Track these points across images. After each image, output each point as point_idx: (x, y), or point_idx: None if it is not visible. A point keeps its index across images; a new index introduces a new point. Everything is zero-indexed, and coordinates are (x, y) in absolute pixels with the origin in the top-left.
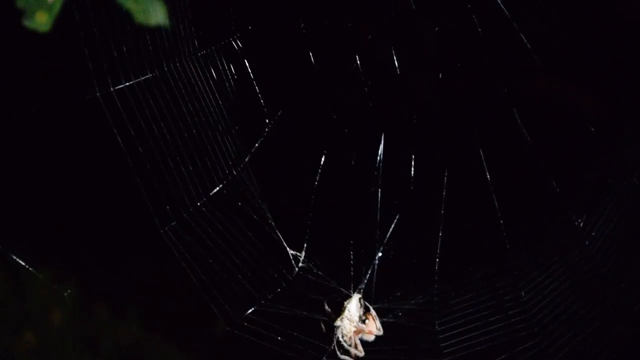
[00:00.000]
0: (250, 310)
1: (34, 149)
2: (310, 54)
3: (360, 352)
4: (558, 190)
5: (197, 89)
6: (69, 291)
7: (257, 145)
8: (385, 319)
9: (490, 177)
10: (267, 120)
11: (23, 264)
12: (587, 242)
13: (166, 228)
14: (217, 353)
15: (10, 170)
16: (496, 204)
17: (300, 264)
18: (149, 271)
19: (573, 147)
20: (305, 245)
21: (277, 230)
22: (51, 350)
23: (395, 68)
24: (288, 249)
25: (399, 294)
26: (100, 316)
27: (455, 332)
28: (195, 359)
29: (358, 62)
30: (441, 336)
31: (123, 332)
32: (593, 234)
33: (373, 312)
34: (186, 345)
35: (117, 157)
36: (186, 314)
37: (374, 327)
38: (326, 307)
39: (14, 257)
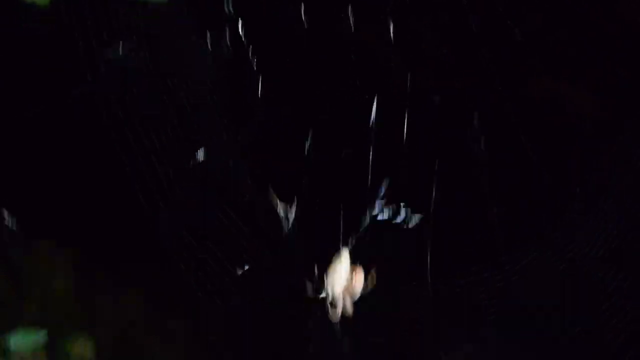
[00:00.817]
0: (241, 269)
1: (31, 116)
2: (304, 19)
3: (349, 311)
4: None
5: (189, 66)
6: (68, 260)
7: (250, 123)
8: (373, 276)
9: (484, 144)
10: (259, 87)
11: (22, 233)
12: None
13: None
14: (219, 316)
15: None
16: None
17: (290, 225)
18: (148, 239)
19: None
20: (295, 206)
21: (269, 190)
22: (53, 317)
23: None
24: (280, 208)
25: (388, 245)
26: (100, 286)
27: (447, 294)
28: (197, 325)
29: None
30: (434, 296)
31: (123, 301)
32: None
33: (360, 268)
34: (189, 313)
35: (107, 127)
36: (188, 279)
37: (361, 283)
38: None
39: (13, 227)
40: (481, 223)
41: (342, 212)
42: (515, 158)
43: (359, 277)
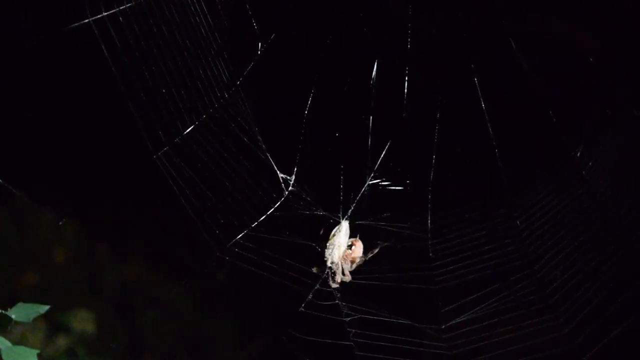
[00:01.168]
0: (240, 236)
1: (30, 81)
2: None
3: (347, 277)
4: (555, 120)
5: (188, 11)
6: (64, 220)
7: (249, 68)
8: (374, 245)
9: (485, 106)
10: (259, 44)
11: (26, 199)
12: (584, 172)
13: (159, 153)
14: (216, 285)
15: (8, 107)
16: (491, 132)
17: (290, 188)
18: (150, 208)
19: (572, 80)
20: (295, 169)
21: (268, 154)
22: (54, 289)
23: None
24: (278, 172)
25: (388, 214)
26: (103, 255)
27: (448, 260)
28: (194, 294)
29: None
30: (434, 264)
31: (126, 270)
32: (591, 164)
33: (359, 239)
34: (187, 281)
35: (109, 85)
36: (187, 248)
37: (360, 253)
38: (321, 232)
39: (19, 193)
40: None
41: (341, 181)
42: (513, 89)
43: (358, 247)
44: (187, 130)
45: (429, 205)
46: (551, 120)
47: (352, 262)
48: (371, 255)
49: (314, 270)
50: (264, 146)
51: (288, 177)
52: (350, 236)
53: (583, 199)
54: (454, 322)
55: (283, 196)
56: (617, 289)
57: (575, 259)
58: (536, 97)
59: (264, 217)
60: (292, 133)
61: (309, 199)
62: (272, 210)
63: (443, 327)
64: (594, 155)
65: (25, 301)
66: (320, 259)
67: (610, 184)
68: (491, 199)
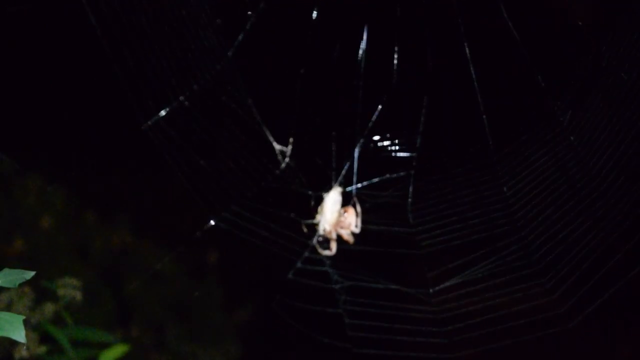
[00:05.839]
0: (235, 205)
1: (18, 46)
2: None
3: (351, 240)
4: (543, 85)
5: None
6: (53, 185)
7: (239, 39)
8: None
9: (474, 71)
10: (249, 13)
11: (14, 164)
12: (572, 138)
13: (149, 123)
14: (205, 253)
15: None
16: (479, 99)
17: (286, 159)
18: (138, 176)
19: (560, 43)
20: (291, 139)
21: (262, 126)
22: (41, 256)
23: None
24: (274, 143)
25: (375, 180)
26: (90, 222)
27: (432, 225)
28: (183, 261)
29: None
30: (417, 228)
31: (113, 237)
32: (578, 129)
33: (351, 206)
34: (174, 248)
35: (99, 55)
36: (175, 216)
37: (353, 219)
38: (312, 203)
39: (5, 158)
40: (465, 119)
41: (333, 148)
42: (501, 52)
43: (350, 215)
44: (178, 100)
45: (413, 172)
46: (540, 85)
47: (347, 228)
48: (359, 218)
49: (304, 228)
50: (258, 117)
51: (284, 148)
52: (343, 204)
53: (571, 165)
54: (442, 286)
55: (280, 167)
56: (605, 254)
57: (563, 225)
58: (525, 62)
59: (258, 188)
60: (285, 103)
61: (304, 167)
62: (266, 181)
63: (431, 291)
64: (582, 121)
65: (11, 268)
66: (312, 227)
67: (598, 151)
68: (478, 165)
